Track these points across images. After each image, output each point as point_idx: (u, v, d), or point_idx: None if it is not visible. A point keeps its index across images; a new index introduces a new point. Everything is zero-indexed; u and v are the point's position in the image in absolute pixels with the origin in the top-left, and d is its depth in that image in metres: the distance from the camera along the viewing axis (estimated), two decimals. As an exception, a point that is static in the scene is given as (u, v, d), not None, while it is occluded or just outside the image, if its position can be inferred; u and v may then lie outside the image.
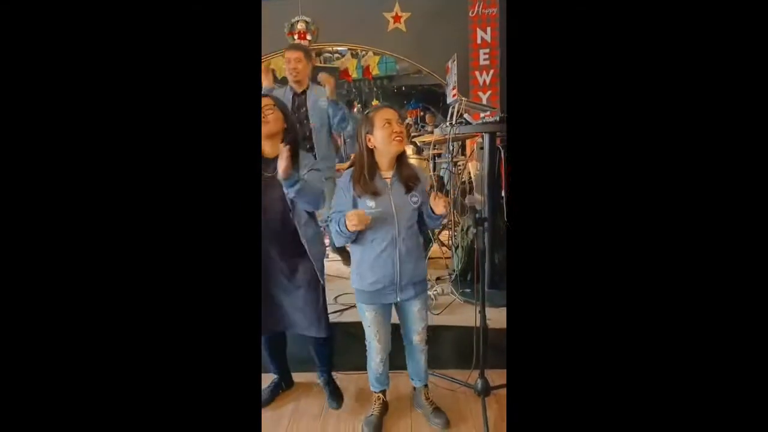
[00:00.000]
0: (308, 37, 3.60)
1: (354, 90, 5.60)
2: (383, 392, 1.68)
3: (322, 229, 1.64)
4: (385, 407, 1.67)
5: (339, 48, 5.07)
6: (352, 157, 1.48)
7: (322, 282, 1.57)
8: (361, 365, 1.70)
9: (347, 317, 2.02)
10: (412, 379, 1.69)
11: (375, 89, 5.56)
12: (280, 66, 4.79)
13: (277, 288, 1.54)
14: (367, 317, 1.50)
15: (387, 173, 1.43)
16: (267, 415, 1.69)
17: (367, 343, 1.58)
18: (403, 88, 5.85)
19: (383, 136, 1.37)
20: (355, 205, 1.39)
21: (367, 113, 1.46)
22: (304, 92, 2.35)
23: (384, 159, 1.42)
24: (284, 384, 1.85)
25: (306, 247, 1.49)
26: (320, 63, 5.07)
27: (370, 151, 1.41)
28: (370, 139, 1.40)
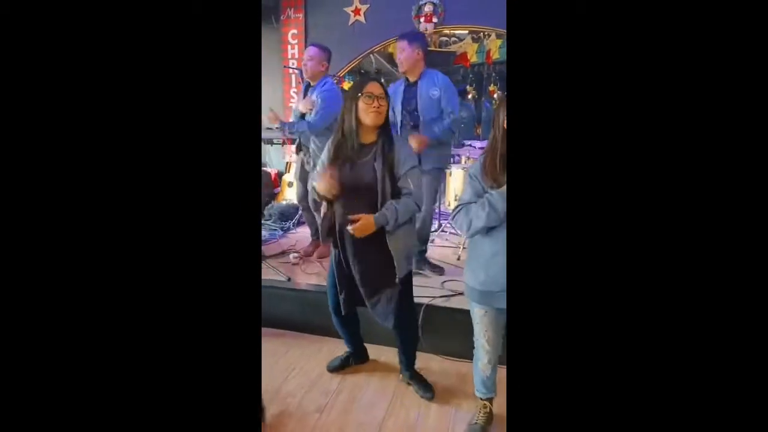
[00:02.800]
0: (434, 20, 3.55)
1: (471, 75, 5.41)
2: (490, 400, 1.50)
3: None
4: (490, 417, 1.48)
5: (457, 32, 4.93)
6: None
7: (399, 275, 1.48)
8: (464, 355, 1.66)
9: (454, 303, 2.00)
10: None
11: (493, 74, 5.30)
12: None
13: (360, 271, 1.52)
14: (477, 314, 1.39)
15: None
16: (339, 382, 1.77)
17: (474, 340, 1.44)
18: (524, 74, 5.48)
19: None
20: (480, 197, 1.22)
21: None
22: (416, 82, 2.22)
23: None
24: (355, 359, 1.88)
25: (387, 238, 1.44)
26: (436, 47, 4.99)
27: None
28: None
